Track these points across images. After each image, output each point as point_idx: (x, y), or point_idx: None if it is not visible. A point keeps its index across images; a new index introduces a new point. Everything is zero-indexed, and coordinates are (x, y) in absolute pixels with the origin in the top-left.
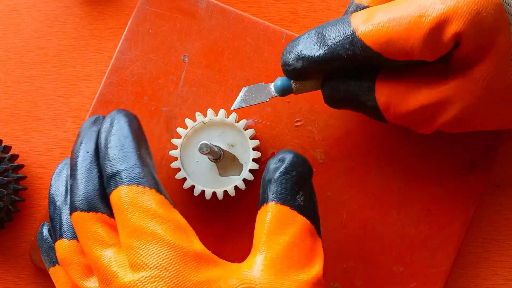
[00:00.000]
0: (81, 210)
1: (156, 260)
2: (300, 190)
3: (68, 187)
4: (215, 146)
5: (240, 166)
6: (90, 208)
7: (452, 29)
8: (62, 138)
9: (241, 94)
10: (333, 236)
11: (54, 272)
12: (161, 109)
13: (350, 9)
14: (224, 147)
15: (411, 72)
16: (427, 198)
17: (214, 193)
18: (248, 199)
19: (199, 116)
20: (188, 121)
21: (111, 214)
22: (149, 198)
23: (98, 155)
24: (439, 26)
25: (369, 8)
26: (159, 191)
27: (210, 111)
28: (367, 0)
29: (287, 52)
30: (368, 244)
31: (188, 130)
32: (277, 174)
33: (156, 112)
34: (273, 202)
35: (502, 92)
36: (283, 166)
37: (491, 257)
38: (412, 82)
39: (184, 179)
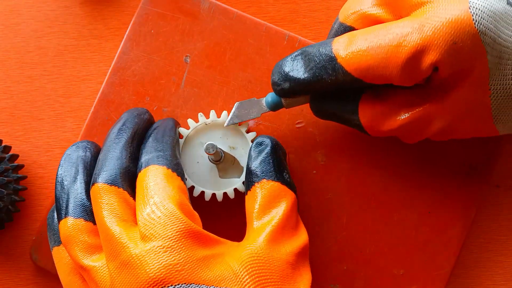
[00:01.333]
0: (104, 182)
1: (169, 231)
2: (284, 169)
3: (79, 167)
4: (218, 148)
5: (241, 169)
6: (113, 182)
7: (429, 59)
8: (62, 138)
9: (233, 110)
10: (333, 238)
11: (57, 252)
12: (163, 109)
13: (335, 26)
14: (225, 149)
15: (394, 92)
16: (428, 201)
17: (213, 195)
18: (240, 204)
19: (201, 117)
20: (190, 121)
21: (132, 194)
22: (174, 181)
23: (132, 139)
24: (416, 55)
25: (350, 32)
26: (183, 180)
27: (212, 113)
28: (350, 20)
29: (276, 72)
30: (369, 246)
31: (190, 130)
32: (263, 155)
33: (157, 113)
34: (265, 179)
35: (480, 111)
36: (268, 148)
37: (491, 257)
38: (393, 102)
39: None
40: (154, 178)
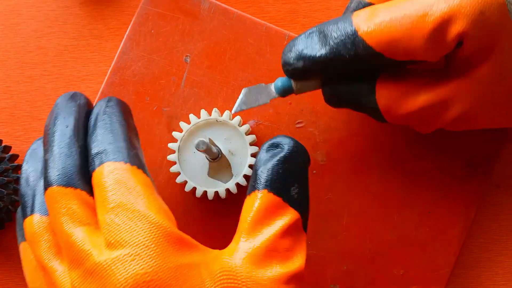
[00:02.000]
0: (58, 185)
1: (136, 237)
2: (295, 182)
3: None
4: (215, 146)
5: (230, 176)
6: (68, 183)
7: (455, 29)
8: None
9: (241, 96)
10: (333, 238)
11: (24, 248)
12: (163, 109)
13: (352, 5)
14: (225, 152)
15: (412, 73)
16: (428, 201)
17: (205, 192)
18: (239, 203)
19: (215, 112)
20: (191, 116)
21: (90, 192)
22: (136, 177)
23: (77, 132)
24: (442, 25)
25: (371, 6)
26: (145, 172)
27: (227, 113)
28: None
29: (288, 51)
30: (369, 246)
31: (190, 125)
32: (274, 161)
33: (157, 113)
34: (266, 191)
35: (504, 92)
36: (282, 154)
37: (491, 257)
38: (412, 84)
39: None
40: (111, 176)
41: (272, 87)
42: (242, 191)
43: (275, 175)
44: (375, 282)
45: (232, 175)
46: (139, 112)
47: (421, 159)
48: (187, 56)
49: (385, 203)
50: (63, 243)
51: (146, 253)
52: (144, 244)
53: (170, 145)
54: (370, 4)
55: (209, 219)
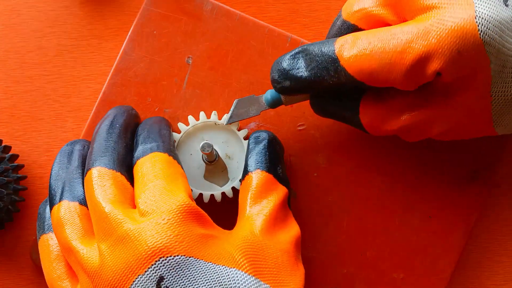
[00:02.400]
0: (101, 166)
1: (168, 206)
2: (279, 163)
3: (75, 159)
4: (214, 149)
5: (226, 180)
6: (111, 166)
7: (433, 66)
8: (62, 138)
9: (232, 108)
10: (334, 241)
11: (43, 240)
12: (164, 110)
13: (337, 23)
14: (222, 156)
15: (394, 94)
16: (429, 205)
17: (200, 195)
18: (235, 207)
19: (214, 115)
20: (190, 118)
21: (129, 179)
22: (175, 167)
23: (125, 131)
24: (420, 62)
25: (353, 34)
26: (182, 167)
27: (226, 116)
28: (354, 18)
29: (275, 69)
30: (369, 250)
31: (188, 127)
32: (260, 147)
33: (159, 114)
34: (259, 170)
35: (481, 115)
36: (264, 141)
37: (491, 257)
38: (394, 104)
39: None
40: (156, 163)
41: (263, 99)
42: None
43: (263, 156)
44: (375, 286)
45: (228, 179)
46: (140, 113)
47: (423, 164)
48: (189, 57)
49: (386, 207)
50: (96, 217)
51: (177, 219)
52: (176, 212)
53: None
54: (354, 25)
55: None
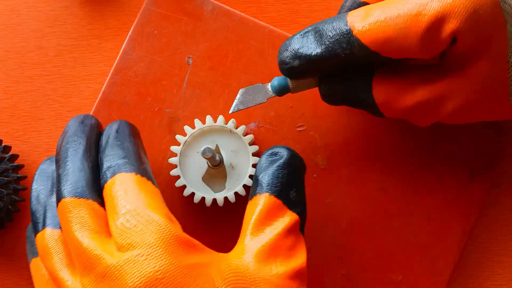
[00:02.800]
0: (71, 196)
1: (147, 239)
2: (293, 186)
3: (55, 181)
4: (219, 154)
5: (222, 187)
6: (80, 194)
7: (449, 27)
8: None
9: (238, 96)
10: (332, 243)
11: (35, 263)
12: (164, 110)
13: (347, 4)
14: (225, 157)
15: (408, 68)
16: (428, 207)
17: (203, 198)
18: (236, 212)
19: (222, 119)
20: (197, 121)
21: (101, 203)
22: (145, 187)
23: (89, 149)
24: (437, 24)
25: (366, 6)
26: (154, 184)
27: (232, 121)
28: None
29: (284, 50)
30: (368, 251)
31: (194, 130)
32: (274, 167)
33: (159, 113)
34: (267, 194)
35: (497, 88)
36: (280, 161)
37: (491, 257)
38: (409, 79)
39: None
40: (123, 186)
41: (269, 86)
42: (240, 201)
43: (275, 179)
44: (373, 287)
45: (224, 188)
46: (140, 113)
47: (422, 165)
48: (189, 57)
49: (385, 208)
50: (75, 251)
51: (157, 253)
52: (154, 245)
53: (173, 148)
54: (364, 3)
55: (205, 225)
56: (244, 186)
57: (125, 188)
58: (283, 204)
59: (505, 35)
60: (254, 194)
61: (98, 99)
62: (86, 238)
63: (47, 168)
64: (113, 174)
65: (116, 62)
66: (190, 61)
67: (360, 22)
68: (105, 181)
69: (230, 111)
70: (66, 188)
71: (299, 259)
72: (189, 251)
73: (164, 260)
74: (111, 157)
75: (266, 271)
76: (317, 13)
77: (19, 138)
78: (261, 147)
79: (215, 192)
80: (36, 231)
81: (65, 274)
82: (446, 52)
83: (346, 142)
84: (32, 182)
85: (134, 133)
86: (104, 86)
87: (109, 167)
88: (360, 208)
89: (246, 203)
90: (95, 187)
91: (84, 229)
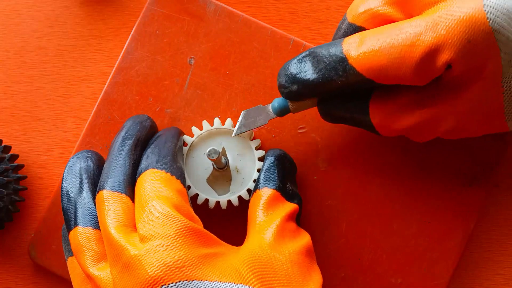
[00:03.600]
0: (109, 189)
1: (166, 230)
2: (288, 181)
3: (83, 178)
4: (225, 157)
5: (226, 191)
6: (117, 188)
7: (443, 58)
8: (62, 138)
9: (240, 119)
10: (332, 245)
11: (71, 262)
12: (166, 110)
13: (343, 26)
14: (231, 160)
15: (403, 91)
16: (428, 210)
17: (206, 200)
18: (239, 215)
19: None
20: (205, 123)
21: (133, 199)
22: (173, 185)
23: (135, 148)
24: (430, 55)
25: (361, 33)
26: (183, 183)
27: (229, 121)
28: (360, 20)
29: (282, 74)
30: (367, 254)
31: (211, 127)
32: (268, 164)
33: (160, 114)
34: (266, 188)
35: (492, 110)
36: (273, 158)
37: (491, 257)
38: (404, 102)
39: None
40: (151, 182)
41: (270, 107)
42: (243, 205)
43: (271, 174)
44: None
45: (228, 191)
46: (141, 113)
47: (422, 169)
48: (191, 58)
49: (384, 211)
50: (106, 241)
51: (177, 243)
52: (174, 236)
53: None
54: (360, 27)
55: (207, 227)
56: (248, 190)
57: (153, 184)
58: (281, 196)
59: (498, 62)
60: (254, 190)
61: (99, 98)
62: (114, 229)
63: (74, 165)
64: (146, 169)
65: (118, 61)
66: (192, 61)
67: (355, 50)
68: (138, 175)
69: (233, 135)
70: (107, 181)
71: (305, 238)
72: (207, 243)
73: (183, 250)
74: (150, 155)
75: (279, 251)
76: (317, 13)
77: (19, 138)
78: (262, 148)
79: (219, 194)
80: (68, 229)
81: (95, 271)
82: (441, 76)
83: (347, 144)
84: (62, 180)
85: (177, 136)
86: (106, 85)
87: (146, 162)
88: (360, 211)
89: (240, 209)
90: (132, 184)
91: (114, 221)
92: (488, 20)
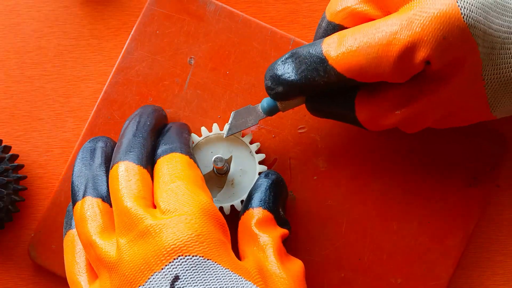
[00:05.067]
0: (129, 161)
1: (191, 208)
2: (280, 206)
3: (97, 153)
4: (229, 166)
5: (214, 197)
6: (139, 162)
7: (420, 55)
8: (62, 138)
9: (230, 119)
10: (332, 245)
11: (68, 236)
12: (165, 110)
13: (323, 24)
14: (233, 175)
15: (387, 87)
16: (428, 211)
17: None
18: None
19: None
20: (215, 126)
21: (151, 174)
22: (195, 169)
23: (153, 131)
24: (407, 53)
25: (339, 33)
26: (200, 170)
27: (248, 136)
28: (338, 18)
29: (268, 76)
30: (367, 254)
31: (222, 131)
32: (265, 186)
33: None
34: (261, 208)
35: (475, 101)
36: (270, 181)
37: (491, 257)
38: (389, 97)
39: None
40: (176, 164)
41: (259, 107)
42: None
43: (267, 196)
44: None
45: (215, 197)
46: None
47: (422, 170)
48: (191, 58)
49: (384, 211)
50: (118, 210)
51: (200, 220)
52: (198, 213)
53: None
54: (339, 25)
55: None
56: (241, 202)
57: (179, 166)
58: (273, 219)
59: (477, 55)
60: (247, 208)
61: (99, 98)
62: (131, 199)
63: (91, 145)
64: (172, 151)
65: (118, 61)
66: (192, 61)
67: (334, 50)
68: (159, 157)
69: (225, 136)
70: (125, 155)
71: (299, 262)
72: (225, 232)
73: (206, 228)
74: (171, 140)
75: (281, 268)
76: (317, 13)
77: (19, 138)
78: (262, 148)
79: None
80: (75, 200)
81: (98, 239)
82: (423, 70)
83: (347, 144)
84: (76, 158)
85: (189, 130)
86: (105, 85)
87: (166, 147)
88: (360, 211)
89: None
90: (152, 161)
91: (132, 192)
92: (462, 16)
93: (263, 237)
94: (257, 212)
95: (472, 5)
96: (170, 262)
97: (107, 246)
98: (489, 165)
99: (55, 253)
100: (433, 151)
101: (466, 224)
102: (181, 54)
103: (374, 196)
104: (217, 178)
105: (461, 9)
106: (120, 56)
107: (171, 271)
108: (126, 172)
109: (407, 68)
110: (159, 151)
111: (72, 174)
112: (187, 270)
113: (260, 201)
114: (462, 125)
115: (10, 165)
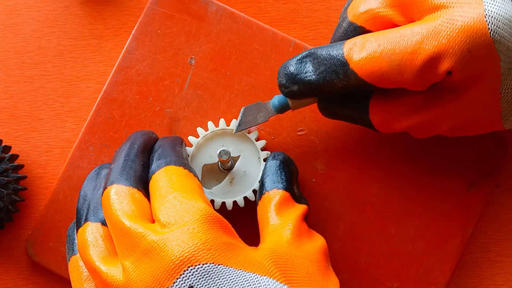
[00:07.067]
0: (118, 184)
1: (192, 216)
2: (294, 183)
3: (102, 181)
4: (233, 164)
5: (209, 187)
6: (128, 183)
7: (443, 66)
8: (62, 138)
9: (240, 115)
10: (329, 248)
11: (73, 261)
12: (165, 110)
13: (343, 24)
14: (238, 173)
15: (403, 92)
16: (426, 215)
17: (212, 201)
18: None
19: (221, 123)
20: (210, 125)
21: (146, 196)
22: (192, 179)
23: (143, 151)
24: (432, 63)
25: (362, 36)
26: (199, 180)
27: (254, 133)
28: (361, 20)
29: (282, 74)
30: (364, 257)
31: (208, 132)
32: (274, 168)
33: (160, 113)
34: (276, 189)
35: (490, 114)
36: (278, 162)
37: (491, 257)
38: (404, 103)
39: None
40: (171, 176)
41: (270, 104)
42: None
43: (279, 176)
44: None
45: (209, 189)
46: (141, 112)
47: (422, 174)
48: (192, 58)
49: (382, 215)
50: (117, 233)
51: (203, 228)
52: (200, 221)
53: (190, 138)
54: (361, 27)
55: None
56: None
57: (174, 178)
58: (290, 197)
59: (498, 70)
60: (262, 193)
61: (99, 97)
62: (129, 219)
63: (96, 172)
64: (166, 164)
65: (118, 60)
66: (193, 61)
67: (357, 53)
68: (154, 172)
69: (234, 132)
70: (114, 178)
71: (320, 239)
72: (230, 233)
73: (210, 234)
74: (163, 155)
75: (299, 249)
76: (317, 13)
77: (19, 138)
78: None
79: (211, 197)
80: (78, 226)
81: (101, 265)
82: (442, 80)
83: (346, 147)
84: (82, 186)
85: (183, 143)
86: (106, 84)
87: (160, 161)
88: (358, 214)
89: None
90: (142, 181)
91: (126, 212)
92: (489, 31)
93: (278, 220)
94: (273, 194)
95: (498, 20)
96: (180, 275)
97: (113, 271)
98: (488, 170)
99: (52, 251)
100: (432, 155)
101: (464, 229)
102: (181, 54)
103: (372, 199)
104: (219, 172)
105: (488, 24)
106: (120, 55)
107: (184, 282)
108: (116, 195)
109: (429, 78)
110: (153, 167)
111: (77, 201)
112: (200, 278)
113: (274, 182)
114: (471, 135)
115: (10, 165)
